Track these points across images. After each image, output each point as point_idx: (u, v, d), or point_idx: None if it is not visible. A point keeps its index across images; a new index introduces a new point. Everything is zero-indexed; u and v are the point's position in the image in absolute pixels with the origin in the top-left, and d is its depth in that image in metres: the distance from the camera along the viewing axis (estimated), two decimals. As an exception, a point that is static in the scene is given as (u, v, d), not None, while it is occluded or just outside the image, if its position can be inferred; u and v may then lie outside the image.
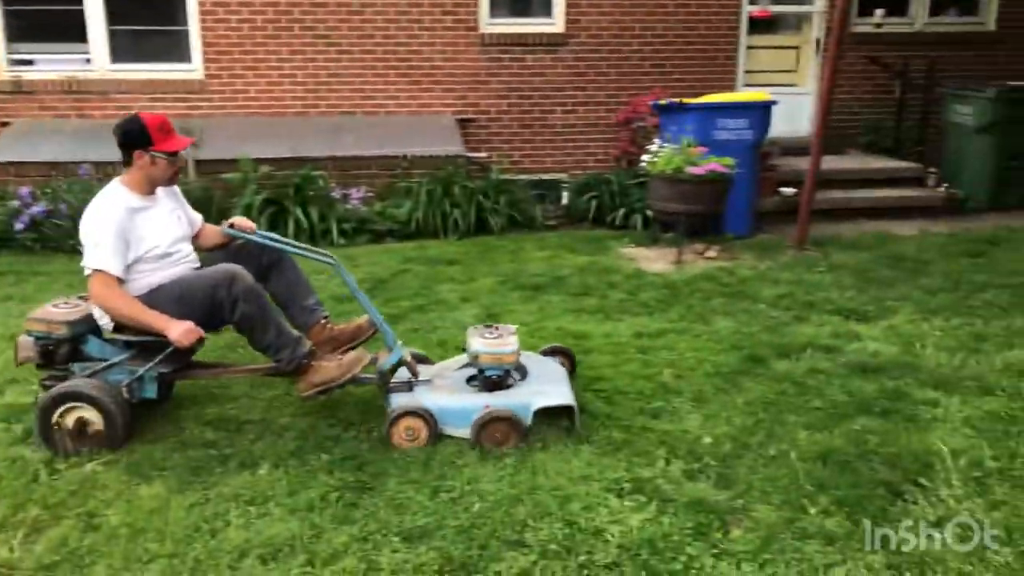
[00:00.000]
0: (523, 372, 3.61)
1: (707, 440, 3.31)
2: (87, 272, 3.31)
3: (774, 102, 6.99)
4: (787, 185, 7.73)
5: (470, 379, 3.58)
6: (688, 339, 4.55)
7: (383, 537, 2.71)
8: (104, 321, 3.43)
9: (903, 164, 8.40)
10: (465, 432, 3.32)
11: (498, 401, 3.37)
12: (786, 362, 4.22)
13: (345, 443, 3.35)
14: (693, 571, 2.49)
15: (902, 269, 5.94)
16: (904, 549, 2.63)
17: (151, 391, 3.44)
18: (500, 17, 8.22)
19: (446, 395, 3.46)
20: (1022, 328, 4.70)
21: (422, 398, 3.41)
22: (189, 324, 3.29)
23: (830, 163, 8.26)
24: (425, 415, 3.32)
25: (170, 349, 3.32)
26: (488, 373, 3.46)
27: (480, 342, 3.47)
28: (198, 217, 3.81)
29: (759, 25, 8.82)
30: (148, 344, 3.35)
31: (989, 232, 7.02)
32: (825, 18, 8.73)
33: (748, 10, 8.60)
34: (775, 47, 9.11)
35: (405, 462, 3.17)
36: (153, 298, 3.35)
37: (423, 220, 6.96)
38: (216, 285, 3.33)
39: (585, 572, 2.53)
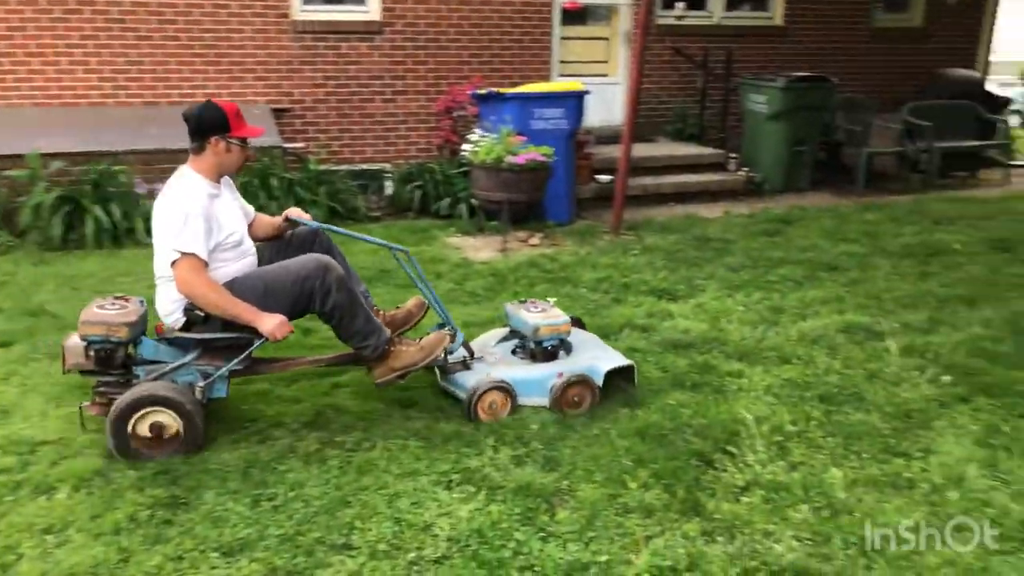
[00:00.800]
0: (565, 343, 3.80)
1: (534, 426, 3.37)
2: (173, 257, 3.14)
3: (587, 92, 7.21)
4: (603, 172, 8.01)
5: (513, 351, 3.81)
6: (513, 326, 4.61)
7: (200, 554, 2.56)
8: (173, 319, 3.27)
9: (707, 150, 8.93)
10: (542, 400, 3.53)
11: (568, 367, 3.58)
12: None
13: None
14: (521, 556, 2.53)
15: (708, 249, 6.31)
16: (716, 516, 2.79)
17: (222, 390, 3.30)
18: (313, 4, 7.97)
19: (515, 368, 3.64)
20: (813, 299, 5.12)
21: (499, 373, 3.56)
22: (281, 317, 3.22)
23: (642, 150, 8.65)
24: (507, 388, 3.49)
25: (259, 343, 3.25)
26: (545, 344, 3.67)
27: (535, 316, 3.69)
28: (251, 208, 3.67)
29: (572, 16, 9.07)
30: (214, 342, 3.25)
31: (783, 212, 7.60)
32: (633, 10, 9.10)
33: (561, 1, 8.81)
34: (587, 38, 9.40)
35: (223, 472, 3.01)
36: (231, 291, 3.21)
37: (239, 215, 6.64)
38: (307, 276, 3.27)
39: (415, 569, 2.50)
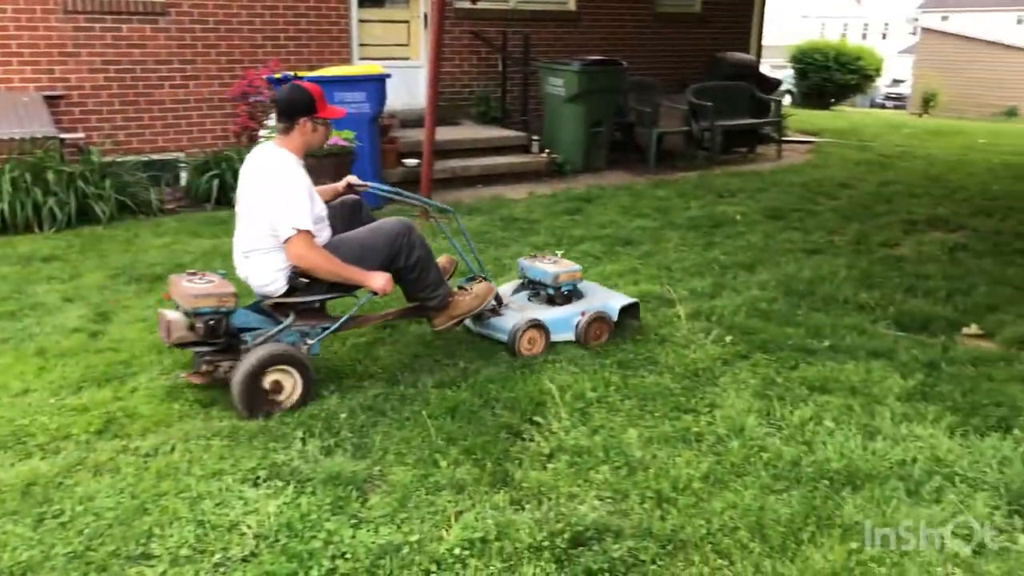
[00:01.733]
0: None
1: (343, 414, 3.33)
2: (288, 233, 3.37)
3: (388, 75, 7.16)
4: (410, 156, 8.00)
5: (528, 299, 4.36)
6: (321, 315, 4.52)
7: (-25, 584, 2.34)
8: (274, 287, 3.51)
9: (511, 133, 9.13)
10: (568, 336, 4.12)
11: (588, 307, 4.18)
12: (418, 326, 4.39)
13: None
14: (332, 545, 2.50)
15: (515, 229, 6.48)
16: (524, 484, 2.89)
17: (317, 348, 3.61)
18: (85, -19, 7.37)
19: (544, 310, 4.19)
20: (612, 273, 5.39)
21: (532, 314, 4.10)
22: (387, 274, 3.62)
23: (447, 134, 8.73)
24: (543, 325, 4.04)
25: (366, 299, 3.75)
26: (564, 289, 4.25)
27: (553, 266, 4.28)
28: None
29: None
30: (305, 306, 3.58)
31: (583, 192, 7.93)
32: (430, -6, 9.11)
33: (351, -17, 8.66)
34: (387, 21, 9.32)
35: (-1, 494, 2.76)
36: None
37: (9, 213, 6.05)
38: (398, 234, 3.67)
39: (221, 571, 2.42)
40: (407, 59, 9.30)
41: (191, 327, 3.36)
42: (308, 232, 3.41)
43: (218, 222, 6.50)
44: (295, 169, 3.47)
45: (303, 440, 3.13)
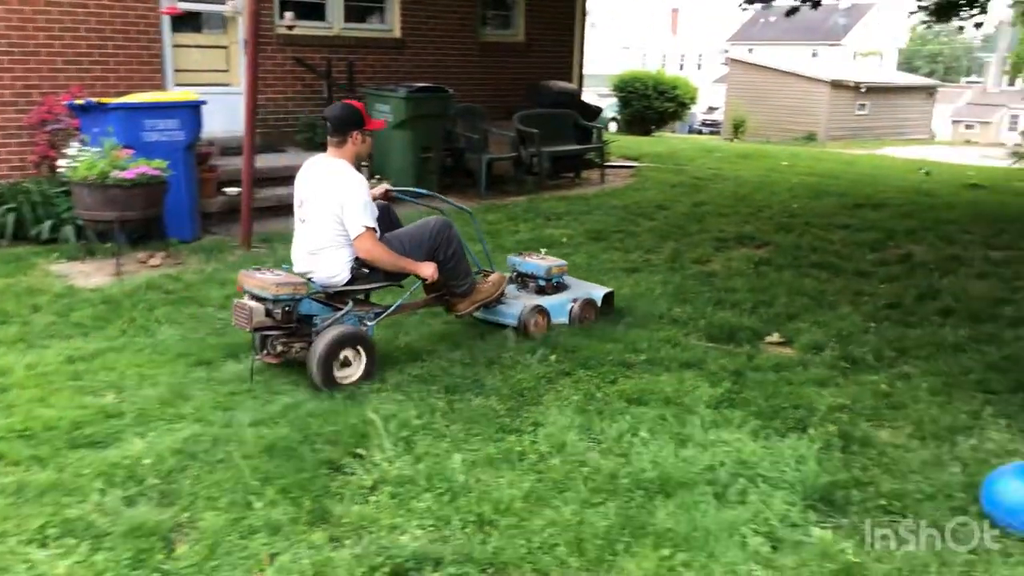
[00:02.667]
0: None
1: (148, 460, 3.12)
2: (359, 231, 3.98)
3: (203, 102, 6.89)
4: (232, 185, 7.69)
5: (518, 289, 4.95)
6: (130, 355, 4.25)
7: None
8: (340, 278, 4.09)
9: (339, 159, 8.98)
10: (563, 320, 4.80)
11: (577, 295, 4.90)
12: (235, 363, 4.21)
13: None
14: (131, 603, 2.33)
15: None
16: (345, 520, 2.81)
17: (372, 330, 4.13)
18: None
19: (542, 298, 4.83)
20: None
21: (534, 301, 4.74)
22: (434, 264, 4.25)
23: (272, 161, 8.50)
24: (545, 310, 4.71)
25: (416, 286, 4.40)
26: (554, 280, 4.93)
27: (544, 261, 4.98)
28: None
29: (186, 23, 8.58)
30: (362, 294, 4.28)
31: (415, 217, 7.90)
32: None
33: (162, 7, 8.27)
34: (206, 46, 8.97)
35: None
36: None
37: None
38: (439, 231, 4.30)
39: (-1, 645, 2.19)
40: (227, 85, 8.97)
41: (268, 314, 3.82)
42: (374, 229, 4.05)
43: (13, 259, 5.98)
44: (361, 177, 4.13)
45: (102, 491, 2.91)
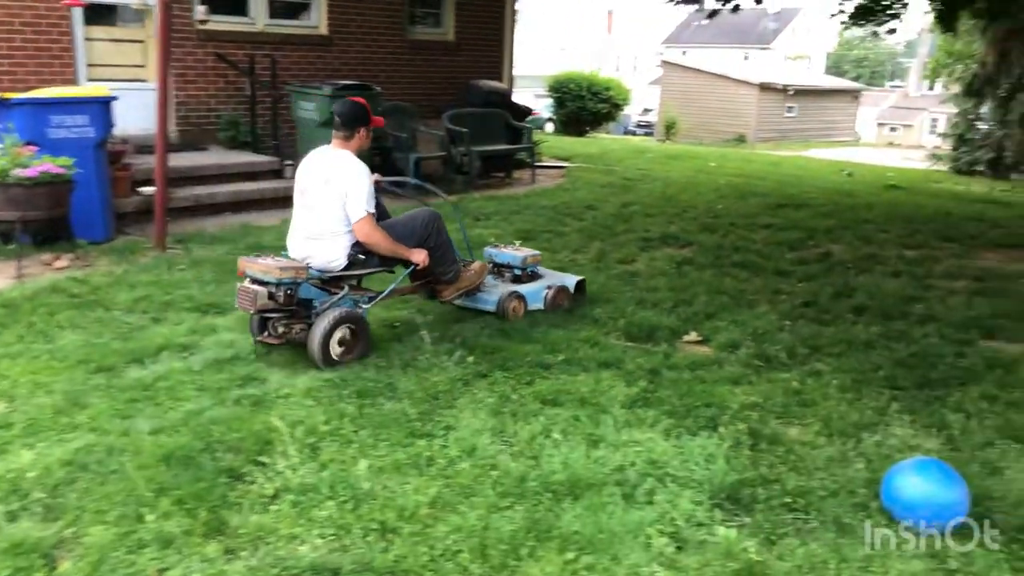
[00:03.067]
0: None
1: (33, 473, 2.97)
2: (360, 216, 4.22)
3: (114, 97, 6.64)
4: (147, 184, 7.44)
5: (494, 279, 5.19)
6: (25, 362, 4.05)
7: None
8: (338, 263, 4.31)
9: (262, 158, 8.79)
10: (538, 305, 5.07)
11: (551, 283, 5.19)
12: (139, 368, 4.05)
13: None
14: (2, 626, 2.20)
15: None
16: (242, 531, 2.71)
17: (366, 313, 4.37)
18: None
19: (519, 285, 5.10)
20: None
21: (515, 288, 5.04)
22: (425, 251, 4.51)
23: (192, 159, 8.26)
24: (522, 296, 5.02)
25: (409, 271, 4.59)
26: (530, 269, 5.22)
27: (520, 252, 5.26)
28: None
29: (101, 16, 8.29)
30: (355, 279, 4.49)
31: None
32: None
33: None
34: (120, 40, 8.68)
35: None
36: None
37: None
38: (429, 221, 4.60)
39: None
40: (144, 81, 8.68)
41: (270, 296, 4.00)
42: (373, 215, 4.30)
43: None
44: (364, 166, 4.33)
45: (-19, 507, 2.75)
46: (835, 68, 68.19)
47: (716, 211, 9.11)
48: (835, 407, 3.91)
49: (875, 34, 11.12)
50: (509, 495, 2.98)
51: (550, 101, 25.43)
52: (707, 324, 5.13)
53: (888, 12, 11.16)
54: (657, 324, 5.02)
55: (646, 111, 41.79)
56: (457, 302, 4.96)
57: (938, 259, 7.35)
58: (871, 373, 4.38)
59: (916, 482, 2.88)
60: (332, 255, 4.31)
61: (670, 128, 29.67)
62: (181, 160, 8.10)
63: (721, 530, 2.81)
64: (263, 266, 4.06)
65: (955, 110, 18.39)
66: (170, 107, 8.68)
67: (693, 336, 4.93)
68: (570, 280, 5.32)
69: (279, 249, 6.54)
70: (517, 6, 12.57)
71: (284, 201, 8.31)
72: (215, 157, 8.62)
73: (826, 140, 36.11)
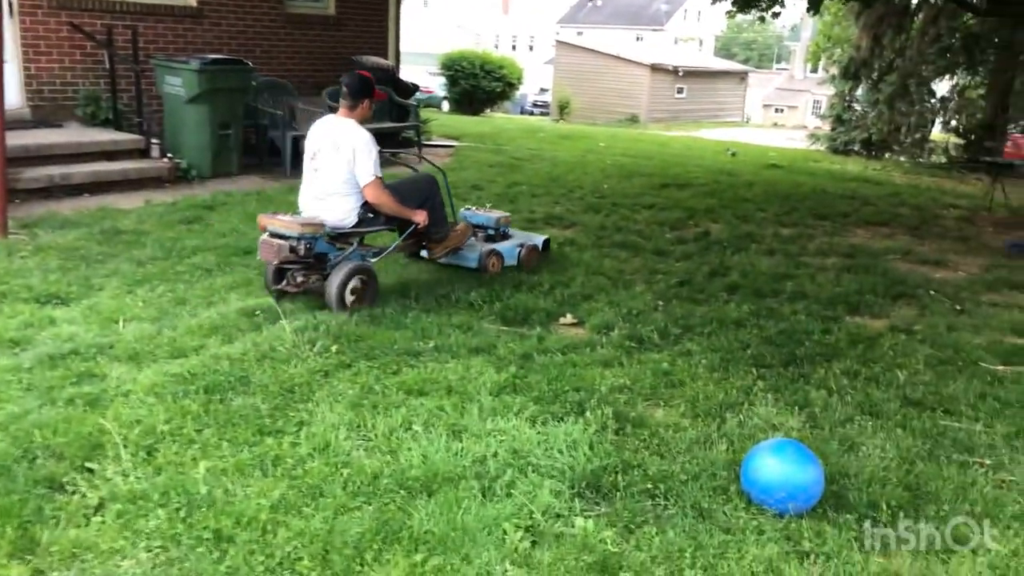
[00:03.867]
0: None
1: None
2: (369, 179, 4.70)
3: (-56, 68, 6.03)
4: (-9, 163, 6.84)
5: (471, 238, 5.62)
6: None
7: None
8: (348, 221, 4.80)
9: (125, 136, 8.24)
10: (512, 262, 5.58)
11: (522, 241, 5.73)
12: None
13: None
14: None
15: (117, 243, 5.78)
16: (54, 548, 2.45)
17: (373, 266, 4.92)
18: None
19: (495, 244, 5.63)
20: (222, 286, 4.99)
21: (492, 246, 5.57)
22: (424, 211, 5.07)
23: (45, 136, 7.68)
24: (500, 253, 5.53)
25: (411, 229, 5.09)
26: (502, 229, 5.76)
27: (493, 213, 5.83)
28: None
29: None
30: (362, 236, 5.02)
31: (208, 199, 7.37)
32: (12, -23, 7.91)
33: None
34: (-39, 7, 7.93)
35: None
36: None
37: None
38: (428, 184, 5.26)
39: None
40: (-11, 52, 7.97)
41: (291, 250, 4.45)
42: (381, 178, 4.75)
43: None
44: (369, 134, 4.74)
45: None
46: (725, 51, 70.10)
47: (602, 191, 9.11)
48: (702, 387, 3.90)
49: (762, 19, 11.34)
50: (360, 494, 2.81)
51: (443, 80, 25.12)
52: (584, 306, 5.08)
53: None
54: (534, 307, 4.93)
55: (543, 91, 41.88)
56: (442, 260, 5.47)
57: (812, 236, 7.55)
58: (740, 352, 4.41)
59: (772, 463, 2.86)
60: (342, 213, 4.76)
61: (563, 108, 29.79)
62: (32, 137, 7.51)
63: (579, 521, 2.73)
64: (285, 222, 4.52)
65: (833, 92, 19.09)
66: (17, 79, 8.05)
67: (569, 319, 4.86)
68: (537, 239, 5.91)
69: (139, 234, 6.23)
70: (402, -20, 12.21)
71: (153, 183, 7.87)
72: (72, 135, 8.02)
73: (716, 121, 37.07)
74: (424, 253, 5.49)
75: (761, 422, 3.55)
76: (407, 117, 10.92)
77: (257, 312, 4.56)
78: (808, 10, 10.66)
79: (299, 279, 4.61)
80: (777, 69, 65.84)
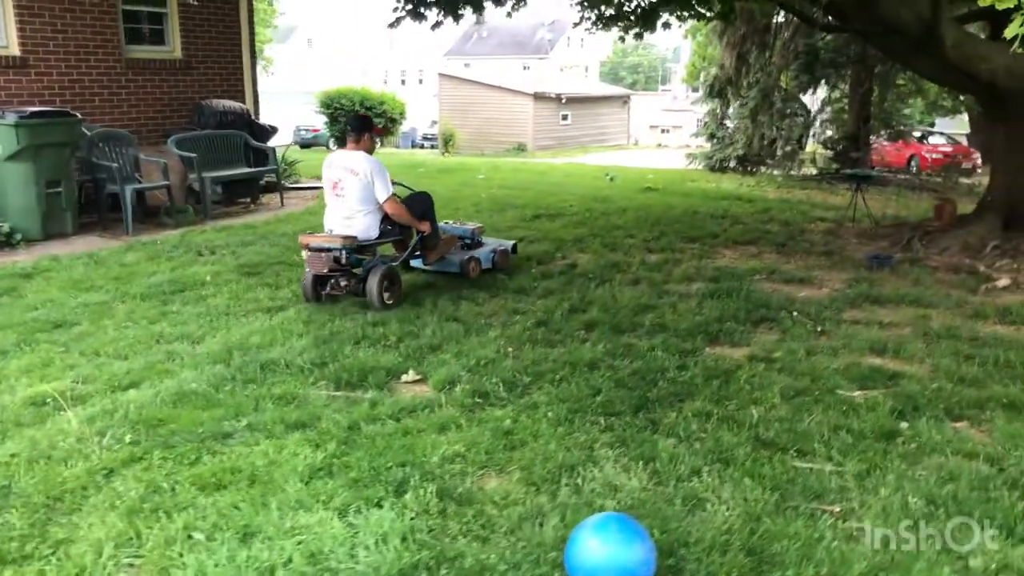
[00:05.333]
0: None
1: None
2: (385, 197, 5.76)
3: None
4: None
5: None
6: None
7: None
8: (371, 234, 5.81)
9: (-65, 201, 7.44)
10: (489, 264, 6.65)
11: (494, 247, 6.81)
12: None
13: None
14: None
15: (-99, 328, 5.08)
16: None
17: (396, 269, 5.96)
18: None
19: (473, 250, 6.67)
20: (15, 370, 4.39)
21: (471, 252, 6.61)
22: (428, 222, 6.20)
23: None
24: (478, 258, 6.59)
25: (418, 238, 6.23)
26: (477, 238, 6.86)
27: (468, 225, 6.94)
28: None
29: None
30: (377, 246, 6.03)
31: (29, 266, 6.68)
32: None
33: None
34: None
35: None
36: None
37: None
38: (427, 200, 6.34)
39: None
40: None
41: (335, 260, 5.49)
42: (397, 196, 5.87)
43: None
44: (380, 161, 5.77)
45: None
46: (612, 75, 71.77)
47: (469, 227, 8.77)
48: (543, 446, 3.56)
49: (639, 36, 11.31)
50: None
51: (325, 118, 24.56)
52: (431, 358, 4.69)
53: (630, 17, 11.37)
54: (374, 364, 4.52)
55: (434, 123, 41.67)
56: (429, 267, 6.42)
57: (679, 261, 7.40)
58: (588, 400, 4.09)
59: (595, 545, 2.52)
60: (367, 228, 5.76)
61: (448, 141, 29.58)
62: None
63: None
64: (327, 238, 5.60)
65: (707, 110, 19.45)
66: None
67: (412, 375, 4.46)
68: (507, 244, 6.98)
69: None
70: (254, 21, 11.71)
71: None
72: None
73: (602, 145, 37.59)
74: (415, 263, 6.43)
75: (599, 486, 3.21)
76: (266, 161, 10.38)
77: (47, 400, 3.99)
78: (641, 26, 10.64)
79: (343, 283, 5.61)
80: (662, 91, 67.74)
